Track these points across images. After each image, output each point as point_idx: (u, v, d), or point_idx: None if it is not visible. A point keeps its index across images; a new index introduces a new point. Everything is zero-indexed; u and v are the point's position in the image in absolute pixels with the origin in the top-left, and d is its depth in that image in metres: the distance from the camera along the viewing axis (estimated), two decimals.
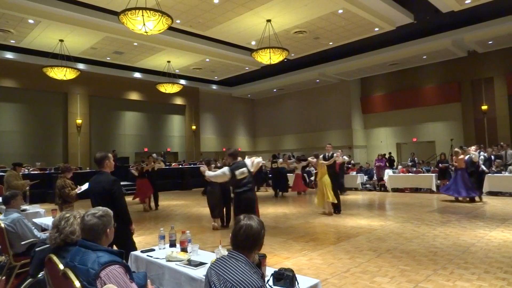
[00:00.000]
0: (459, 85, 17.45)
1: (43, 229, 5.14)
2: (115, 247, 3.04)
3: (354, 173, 15.15)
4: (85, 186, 5.64)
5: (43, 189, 12.33)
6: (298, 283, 2.28)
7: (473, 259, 4.71)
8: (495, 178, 11.36)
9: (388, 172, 13.99)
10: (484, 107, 16.61)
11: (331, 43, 14.70)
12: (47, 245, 2.91)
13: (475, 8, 11.74)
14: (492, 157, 12.31)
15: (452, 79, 17.68)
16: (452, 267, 4.38)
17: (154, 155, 14.06)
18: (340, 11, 11.52)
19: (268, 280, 2.30)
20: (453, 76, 17.62)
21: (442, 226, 6.86)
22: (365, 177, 15.16)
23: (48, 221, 5.23)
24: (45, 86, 15.88)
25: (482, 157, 12.29)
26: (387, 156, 16.95)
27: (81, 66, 15.90)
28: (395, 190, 13.55)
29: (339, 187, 13.64)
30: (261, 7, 11.01)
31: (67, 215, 2.55)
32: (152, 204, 10.72)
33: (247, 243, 1.88)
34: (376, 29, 13.11)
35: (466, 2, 11.03)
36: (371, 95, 20.89)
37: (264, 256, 2.37)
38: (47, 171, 13.77)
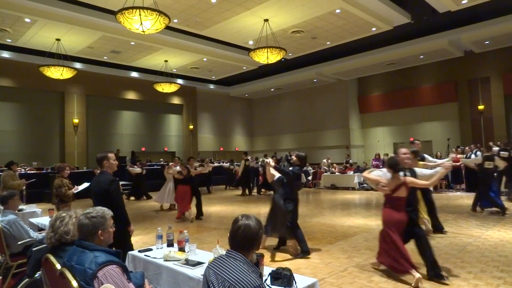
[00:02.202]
0: (455, 85, 17.52)
1: (40, 229, 5.11)
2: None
3: (351, 172, 15.17)
4: (83, 186, 5.64)
5: (40, 188, 12.27)
6: (295, 282, 2.28)
7: (469, 258, 4.73)
8: None
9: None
10: (481, 107, 16.68)
11: (328, 43, 14.72)
12: (44, 245, 2.90)
13: (471, 8, 11.78)
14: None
15: (449, 79, 17.75)
16: (449, 266, 4.40)
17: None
18: (338, 11, 11.53)
19: (266, 279, 2.30)
20: (450, 76, 17.69)
21: None
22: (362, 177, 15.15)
23: (45, 221, 5.21)
24: (42, 85, 15.81)
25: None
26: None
27: (78, 65, 15.84)
28: None
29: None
30: (258, 6, 11.00)
31: (63, 215, 2.54)
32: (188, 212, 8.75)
33: (245, 243, 1.88)
34: (374, 29, 13.14)
35: (463, 2, 11.07)
36: (368, 95, 20.94)
37: (262, 256, 2.37)
38: (44, 171, 13.72)
